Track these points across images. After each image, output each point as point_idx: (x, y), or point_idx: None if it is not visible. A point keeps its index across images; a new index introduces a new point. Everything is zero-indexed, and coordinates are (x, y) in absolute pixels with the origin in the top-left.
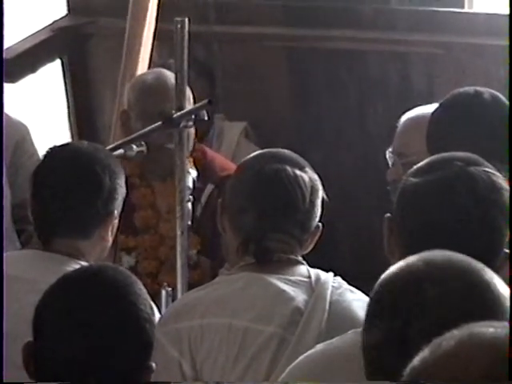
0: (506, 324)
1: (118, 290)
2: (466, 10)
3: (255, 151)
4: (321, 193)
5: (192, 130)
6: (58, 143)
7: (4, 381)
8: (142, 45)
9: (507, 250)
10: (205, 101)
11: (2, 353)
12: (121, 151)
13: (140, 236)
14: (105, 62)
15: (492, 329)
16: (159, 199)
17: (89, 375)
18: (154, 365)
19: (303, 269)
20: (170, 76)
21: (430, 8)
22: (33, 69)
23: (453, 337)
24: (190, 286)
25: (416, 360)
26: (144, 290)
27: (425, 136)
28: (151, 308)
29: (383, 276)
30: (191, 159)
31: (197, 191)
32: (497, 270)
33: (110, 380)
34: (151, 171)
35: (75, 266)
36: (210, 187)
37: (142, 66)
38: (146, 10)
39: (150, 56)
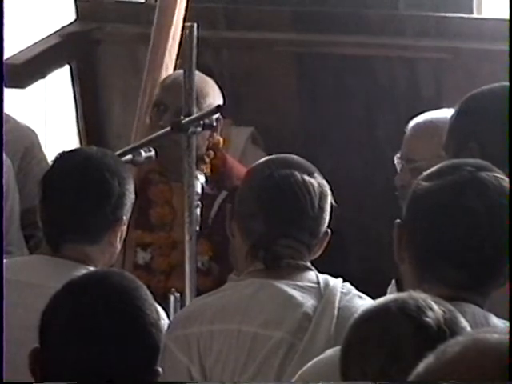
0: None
1: (124, 295)
2: (474, 15)
3: (262, 157)
4: (329, 198)
5: (204, 134)
6: (67, 149)
7: (4, 381)
8: (165, 54)
9: None
10: (213, 107)
11: (2, 353)
12: (129, 157)
13: (155, 233)
14: (113, 67)
15: (496, 335)
16: (176, 199)
17: (95, 380)
18: (160, 369)
19: (312, 275)
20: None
21: (439, 13)
22: (42, 74)
23: (457, 343)
24: (202, 292)
25: (420, 367)
26: (150, 295)
27: (432, 141)
28: (157, 313)
29: None
30: (209, 165)
31: (210, 198)
32: (507, 274)
33: None
34: (170, 170)
35: (83, 271)
36: (223, 194)
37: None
38: (171, 18)
39: (174, 65)
